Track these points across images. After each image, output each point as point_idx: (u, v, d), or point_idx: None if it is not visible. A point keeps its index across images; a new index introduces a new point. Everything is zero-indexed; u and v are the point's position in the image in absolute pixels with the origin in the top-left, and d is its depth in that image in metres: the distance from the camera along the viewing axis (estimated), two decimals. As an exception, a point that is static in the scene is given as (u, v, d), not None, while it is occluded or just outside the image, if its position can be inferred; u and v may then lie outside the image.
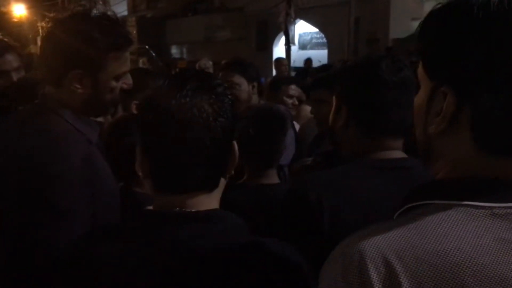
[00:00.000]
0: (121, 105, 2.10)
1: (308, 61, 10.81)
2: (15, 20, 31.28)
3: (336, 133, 1.25)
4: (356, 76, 1.19)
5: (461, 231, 0.56)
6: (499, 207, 0.58)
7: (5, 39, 2.26)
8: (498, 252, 0.55)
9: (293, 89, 3.02)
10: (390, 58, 1.16)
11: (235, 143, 0.89)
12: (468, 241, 0.55)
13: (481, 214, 0.58)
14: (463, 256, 0.55)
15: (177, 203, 0.84)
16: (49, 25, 1.28)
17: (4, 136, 1.31)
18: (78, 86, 1.25)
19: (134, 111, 1.96)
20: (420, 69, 0.68)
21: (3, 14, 30.92)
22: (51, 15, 1.30)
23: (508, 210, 0.58)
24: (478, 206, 0.58)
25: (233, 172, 0.93)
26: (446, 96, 0.61)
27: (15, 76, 2.17)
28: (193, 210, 0.83)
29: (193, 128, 0.79)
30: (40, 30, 1.33)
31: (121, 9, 27.41)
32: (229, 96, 0.87)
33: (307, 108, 2.49)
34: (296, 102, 3.00)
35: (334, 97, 1.26)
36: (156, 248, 0.81)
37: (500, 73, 0.56)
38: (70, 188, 1.17)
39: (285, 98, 2.95)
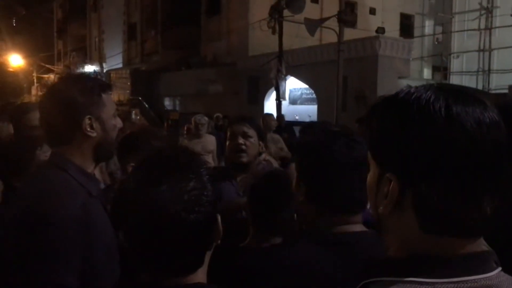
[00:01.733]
0: (120, 163, 2.14)
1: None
2: (11, 69, 31.79)
3: (298, 207, 1.29)
4: (311, 156, 1.23)
5: None
6: (440, 282, 0.63)
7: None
8: None
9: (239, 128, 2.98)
10: (344, 138, 1.20)
11: (219, 219, 0.90)
12: None
13: None
14: None
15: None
16: (44, 93, 1.51)
17: (17, 194, 1.47)
18: (91, 131, 1.43)
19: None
20: (368, 156, 0.75)
21: (-1, 63, 31.46)
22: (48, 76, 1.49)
23: (449, 286, 0.63)
24: (422, 282, 0.63)
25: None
26: (390, 182, 0.67)
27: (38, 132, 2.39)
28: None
29: (169, 223, 0.81)
30: (34, 80, 1.47)
31: (116, 62, 28.10)
32: (207, 177, 0.88)
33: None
34: (244, 145, 2.95)
35: (295, 169, 1.29)
36: None
37: (434, 165, 0.63)
38: (63, 235, 1.25)
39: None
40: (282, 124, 8.91)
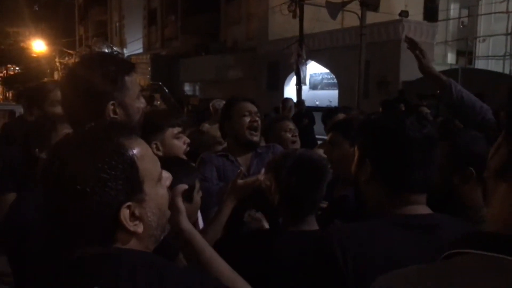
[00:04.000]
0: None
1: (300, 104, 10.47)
2: (34, 55, 32.30)
3: (361, 187, 1.25)
4: (381, 133, 1.20)
5: (497, 282, 0.59)
6: None
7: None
8: None
9: (288, 124, 3.00)
10: (415, 115, 1.19)
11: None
12: None
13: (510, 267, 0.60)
14: None
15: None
16: (65, 74, 1.46)
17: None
18: (115, 116, 1.39)
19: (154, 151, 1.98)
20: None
21: (23, 49, 31.97)
22: (68, 62, 1.43)
23: None
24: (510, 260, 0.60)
25: None
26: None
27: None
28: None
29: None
30: (57, 65, 1.42)
31: (136, 47, 28.26)
32: None
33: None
34: (296, 134, 2.97)
35: (356, 149, 1.27)
36: None
37: None
38: None
39: (282, 133, 2.94)
40: (302, 110, 8.82)
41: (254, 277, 1.17)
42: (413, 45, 2.21)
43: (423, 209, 1.16)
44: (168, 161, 1.26)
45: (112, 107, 1.38)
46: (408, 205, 1.15)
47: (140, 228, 0.87)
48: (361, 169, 1.22)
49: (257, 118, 2.38)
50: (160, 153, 1.88)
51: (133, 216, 0.86)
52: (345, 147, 2.07)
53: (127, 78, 1.42)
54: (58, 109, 2.29)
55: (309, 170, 1.51)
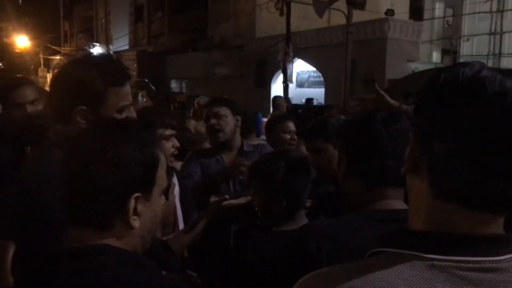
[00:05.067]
0: None
1: (310, 101, 10.79)
2: (18, 50, 31.79)
3: (339, 182, 1.30)
4: (354, 128, 1.26)
5: (396, 278, 0.62)
6: (439, 259, 0.63)
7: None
8: None
9: (289, 125, 3.04)
10: (386, 111, 1.24)
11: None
12: None
13: (421, 265, 0.63)
14: None
15: (74, 238, 0.87)
16: (55, 71, 1.45)
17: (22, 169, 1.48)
18: (83, 121, 1.35)
19: None
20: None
21: (6, 45, 31.44)
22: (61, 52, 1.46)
23: (448, 263, 0.62)
24: (421, 256, 0.63)
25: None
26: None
27: (29, 109, 2.28)
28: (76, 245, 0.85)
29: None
30: (41, 61, 1.44)
31: (122, 44, 28.00)
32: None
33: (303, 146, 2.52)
34: (295, 137, 3.02)
35: (337, 150, 1.33)
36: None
37: (444, 127, 0.64)
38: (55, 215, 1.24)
39: (281, 134, 2.97)
40: (289, 108, 8.86)
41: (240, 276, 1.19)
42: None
43: (399, 204, 1.19)
44: None
45: (81, 111, 1.35)
46: (383, 200, 1.18)
47: (136, 224, 0.88)
48: (340, 165, 1.28)
49: (214, 121, 2.42)
50: None
51: (135, 210, 0.87)
52: (330, 150, 2.09)
53: (111, 89, 1.37)
54: (20, 111, 2.23)
55: (301, 167, 1.58)
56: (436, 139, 0.64)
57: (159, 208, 0.96)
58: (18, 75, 2.48)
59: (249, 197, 1.76)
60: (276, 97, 7.25)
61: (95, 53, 1.49)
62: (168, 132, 1.98)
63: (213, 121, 2.42)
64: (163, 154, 1.53)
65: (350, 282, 0.63)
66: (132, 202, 0.86)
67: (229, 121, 2.45)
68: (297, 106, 10.78)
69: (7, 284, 0.79)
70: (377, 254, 0.69)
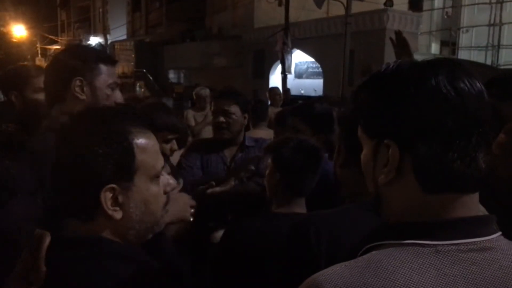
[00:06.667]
0: None
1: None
2: (15, 40, 31.56)
3: (336, 172, 1.33)
4: (352, 119, 1.26)
5: (407, 268, 0.63)
6: (442, 244, 0.66)
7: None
8: (441, 286, 0.63)
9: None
10: None
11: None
12: (413, 278, 0.62)
13: (426, 252, 0.66)
14: None
15: (65, 227, 0.89)
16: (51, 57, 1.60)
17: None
18: (80, 92, 1.48)
19: None
20: (360, 133, 0.79)
21: (3, 34, 31.21)
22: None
23: (450, 247, 0.66)
24: (424, 244, 0.66)
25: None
26: (388, 148, 0.70)
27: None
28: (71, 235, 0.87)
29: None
30: (38, 51, 1.53)
31: (120, 33, 27.83)
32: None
33: None
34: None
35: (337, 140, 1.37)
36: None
37: (429, 127, 0.68)
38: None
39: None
40: (287, 99, 8.84)
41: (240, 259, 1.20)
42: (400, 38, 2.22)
43: None
44: None
45: (78, 83, 1.48)
46: None
47: (118, 215, 0.87)
48: (338, 155, 1.31)
49: (223, 119, 2.38)
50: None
51: (115, 201, 0.86)
52: (306, 132, 2.12)
53: (102, 65, 1.52)
54: (41, 96, 2.27)
55: (310, 151, 1.60)
56: (420, 141, 0.67)
57: (152, 196, 0.92)
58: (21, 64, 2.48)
59: (233, 183, 1.77)
60: (271, 88, 7.25)
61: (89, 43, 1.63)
62: (171, 136, 1.96)
63: (221, 118, 2.39)
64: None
65: (364, 280, 0.63)
66: (105, 195, 0.85)
67: (237, 119, 2.42)
68: (296, 97, 10.73)
69: (41, 274, 0.80)
70: (374, 248, 0.70)
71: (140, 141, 0.89)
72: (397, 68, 0.73)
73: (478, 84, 0.70)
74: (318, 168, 1.61)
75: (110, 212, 0.86)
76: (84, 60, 1.49)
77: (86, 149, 0.84)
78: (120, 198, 0.87)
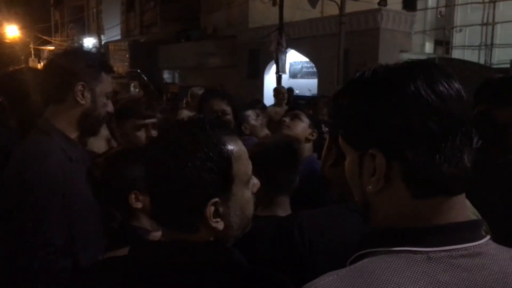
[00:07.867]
0: (108, 128, 2.16)
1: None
2: (7, 41, 31.35)
3: (325, 171, 1.32)
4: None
5: (400, 277, 0.63)
6: (434, 251, 0.65)
7: None
8: None
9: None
10: None
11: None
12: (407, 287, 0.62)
13: (418, 259, 0.65)
14: None
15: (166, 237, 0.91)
16: (50, 57, 1.59)
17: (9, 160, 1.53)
18: (81, 97, 1.48)
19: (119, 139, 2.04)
20: (342, 143, 0.78)
21: (-5, 34, 31.01)
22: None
23: (442, 254, 0.65)
24: (416, 251, 0.65)
25: None
26: (374, 158, 0.69)
27: None
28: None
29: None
30: (31, 52, 1.54)
31: (114, 33, 27.72)
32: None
33: None
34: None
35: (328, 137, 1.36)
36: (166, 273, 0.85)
37: (415, 133, 0.67)
38: (42, 192, 1.33)
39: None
40: (290, 98, 8.83)
41: None
42: None
43: None
44: (137, 152, 1.32)
45: (81, 87, 1.47)
46: None
47: (220, 226, 0.87)
48: (329, 154, 1.30)
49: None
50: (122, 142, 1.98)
51: (216, 213, 0.86)
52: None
53: (104, 74, 1.54)
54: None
55: (286, 150, 1.62)
56: (407, 148, 0.67)
57: (246, 202, 0.92)
58: (16, 67, 2.46)
59: None
60: (276, 88, 7.10)
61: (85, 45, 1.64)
62: (139, 122, 2.01)
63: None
64: (134, 144, 1.57)
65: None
66: (209, 209, 0.85)
67: (231, 119, 2.44)
68: (298, 97, 10.71)
69: None
70: (365, 255, 0.69)
71: (235, 149, 0.89)
72: (373, 75, 0.73)
73: (456, 84, 0.70)
74: (296, 162, 1.63)
75: (213, 224, 0.86)
76: (89, 66, 1.51)
77: (191, 163, 0.83)
78: (221, 209, 0.87)
